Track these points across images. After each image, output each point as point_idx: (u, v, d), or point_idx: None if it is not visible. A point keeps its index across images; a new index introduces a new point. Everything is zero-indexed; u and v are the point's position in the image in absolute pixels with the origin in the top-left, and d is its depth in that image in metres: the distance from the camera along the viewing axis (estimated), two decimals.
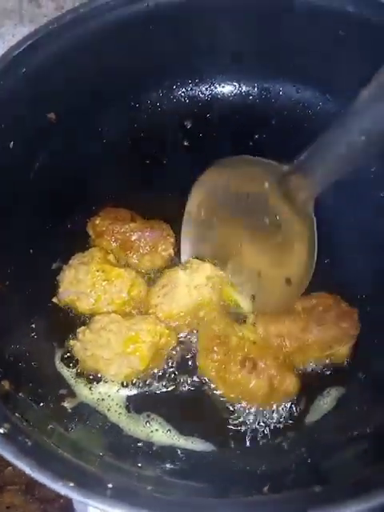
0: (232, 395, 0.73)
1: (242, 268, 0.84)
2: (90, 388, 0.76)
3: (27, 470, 0.54)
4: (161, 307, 0.80)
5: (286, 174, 0.75)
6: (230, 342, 0.74)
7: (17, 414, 0.60)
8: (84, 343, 0.76)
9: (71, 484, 0.52)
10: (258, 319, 0.79)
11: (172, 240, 0.88)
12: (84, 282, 0.81)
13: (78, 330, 0.78)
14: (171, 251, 0.87)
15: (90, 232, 0.90)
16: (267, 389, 0.70)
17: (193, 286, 0.80)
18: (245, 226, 0.84)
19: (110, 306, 0.81)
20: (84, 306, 0.81)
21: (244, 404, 0.72)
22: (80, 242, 0.89)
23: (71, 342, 0.78)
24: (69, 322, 0.82)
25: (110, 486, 0.52)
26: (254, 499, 0.55)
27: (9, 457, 0.55)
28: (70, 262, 0.84)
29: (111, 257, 0.85)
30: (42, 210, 0.88)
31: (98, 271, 0.81)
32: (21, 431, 0.57)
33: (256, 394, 0.71)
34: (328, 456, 0.65)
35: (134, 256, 0.86)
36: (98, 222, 0.89)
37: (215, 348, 0.74)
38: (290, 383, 0.71)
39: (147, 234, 0.87)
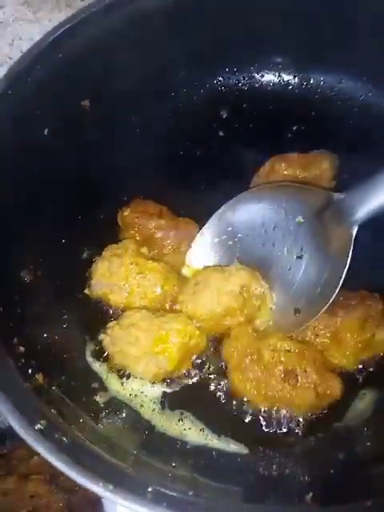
0: (275, 408, 0.71)
1: None
2: (122, 383, 0.74)
3: (65, 468, 0.53)
4: (186, 305, 0.78)
5: (336, 201, 0.75)
6: (263, 357, 0.71)
7: (52, 410, 0.59)
8: (113, 339, 0.74)
9: (111, 486, 0.51)
10: None
11: None
12: (117, 275, 0.79)
13: (108, 325, 0.77)
14: None
15: (119, 222, 0.88)
16: (314, 398, 0.68)
17: (224, 292, 0.76)
18: (264, 252, 0.82)
19: (142, 301, 0.79)
20: (117, 299, 0.79)
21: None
22: (112, 233, 0.87)
23: (101, 336, 0.76)
24: (100, 315, 0.81)
25: (150, 489, 0.51)
26: (296, 509, 0.53)
27: (45, 454, 0.54)
28: (103, 253, 0.82)
29: (145, 249, 0.83)
30: (74, 199, 0.87)
31: (131, 264, 0.79)
32: (57, 428, 0.56)
33: (303, 405, 0.69)
34: (370, 464, 0.63)
35: (156, 253, 0.84)
36: (126, 213, 0.87)
37: (250, 366, 0.71)
38: (335, 386, 0.69)
39: (172, 233, 0.85)
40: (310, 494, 0.55)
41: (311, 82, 0.95)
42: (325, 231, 0.78)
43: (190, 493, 0.53)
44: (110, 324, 0.77)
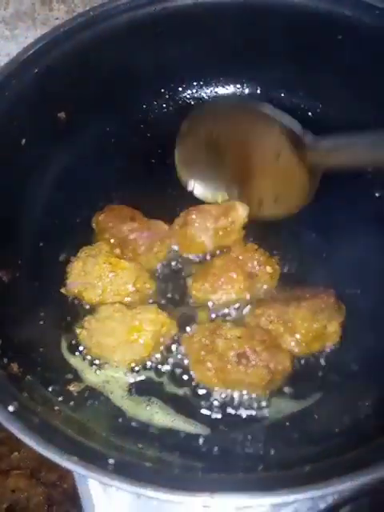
0: (237, 391, 0.76)
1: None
2: (95, 372, 0.79)
3: (33, 445, 0.58)
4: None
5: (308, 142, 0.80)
6: (217, 347, 0.76)
7: (25, 394, 0.64)
8: (90, 331, 0.80)
9: (75, 458, 0.55)
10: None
11: (168, 241, 0.90)
12: (91, 274, 0.84)
13: (84, 319, 0.82)
14: (164, 253, 0.90)
15: (94, 227, 0.93)
16: (267, 374, 0.73)
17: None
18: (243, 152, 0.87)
19: (115, 297, 0.85)
20: (91, 296, 0.84)
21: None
22: (87, 236, 0.92)
23: (77, 330, 0.82)
24: (75, 311, 0.85)
25: (111, 461, 0.56)
26: (248, 477, 0.58)
27: (16, 432, 0.59)
28: (78, 254, 0.87)
29: (118, 250, 0.88)
30: (52, 206, 0.93)
31: (104, 263, 0.85)
32: (28, 409, 0.61)
33: (260, 384, 0.74)
34: (318, 441, 0.68)
35: (131, 254, 0.89)
36: (100, 218, 0.92)
37: (207, 357, 0.76)
38: (285, 359, 0.74)
39: (144, 234, 0.90)
40: (261, 466, 0.60)
41: (272, 95, 1.02)
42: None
43: (154, 467, 0.58)
44: (87, 318, 0.82)
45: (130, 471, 0.55)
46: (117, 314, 0.81)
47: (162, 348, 0.81)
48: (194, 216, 0.89)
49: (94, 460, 0.56)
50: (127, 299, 0.85)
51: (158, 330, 0.79)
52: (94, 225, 0.93)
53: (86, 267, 0.85)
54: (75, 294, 0.86)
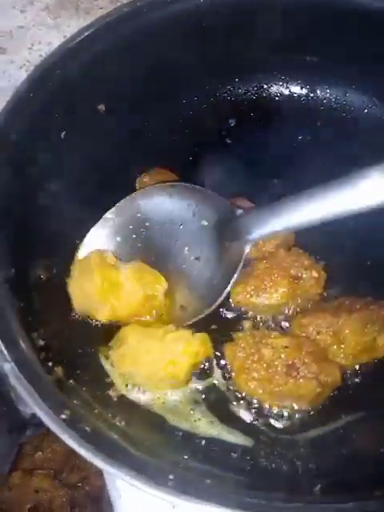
0: (283, 403, 0.74)
1: None
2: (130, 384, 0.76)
3: (88, 455, 0.55)
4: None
5: (237, 216, 0.80)
6: (264, 356, 0.74)
7: (75, 401, 0.62)
8: (120, 356, 0.76)
9: (134, 473, 0.53)
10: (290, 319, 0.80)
11: None
12: (93, 296, 0.78)
13: (110, 344, 0.78)
14: None
15: (137, 188, 0.92)
16: (316, 387, 0.71)
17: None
18: (166, 247, 0.85)
19: (128, 309, 0.79)
20: (103, 315, 0.79)
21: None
22: None
23: (109, 353, 0.77)
24: None
25: (171, 477, 0.54)
26: (305, 499, 0.56)
27: (70, 442, 0.56)
28: (71, 273, 0.82)
29: (110, 258, 0.82)
30: (88, 200, 0.89)
31: (102, 281, 0.78)
32: (80, 418, 0.59)
33: (309, 397, 0.72)
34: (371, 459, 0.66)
35: None
36: (146, 179, 0.91)
37: (253, 366, 0.74)
38: (335, 372, 0.72)
39: None
40: (318, 486, 0.58)
41: (318, 93, 0.99)
42: (222, 241, 0.82)
43: (208, 481, 0.56)
44: (114, 341, 0.78)
45: (192, 488, 0.53)
46: (146, 342, 0.75)
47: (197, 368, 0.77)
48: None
49: (154, 475, 0.54)
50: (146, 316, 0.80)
51: (193, 361, 0.75)
52: (137, 185, 0.92)
53: (84, 289, 0.79)
54: (87, 315, 0.81)
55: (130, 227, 0.87)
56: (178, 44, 0.91)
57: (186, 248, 0.85)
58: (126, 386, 0.76)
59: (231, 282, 0.81)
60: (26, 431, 0.62)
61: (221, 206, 0.84)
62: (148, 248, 0.86)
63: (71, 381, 0.69)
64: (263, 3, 0.91)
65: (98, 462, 0.55)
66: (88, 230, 0.86)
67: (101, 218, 0.87)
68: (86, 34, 0.85)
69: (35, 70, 0.82)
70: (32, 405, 0.57)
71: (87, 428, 0.58)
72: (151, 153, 0.96)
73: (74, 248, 0.85)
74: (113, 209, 0.87)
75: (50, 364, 0.67)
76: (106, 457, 0.55)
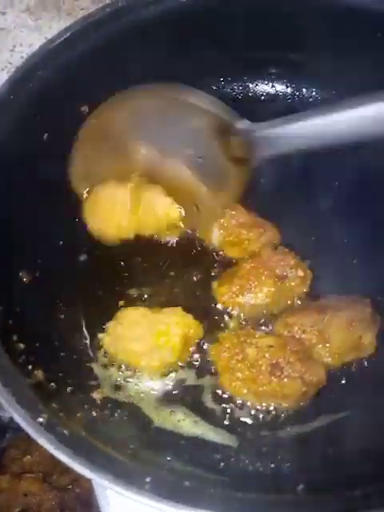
0: (268, 402, 0.73)
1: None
2: (118, 380, 0.76)
3: (66, 459, 0.55)
4: None
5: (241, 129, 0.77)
6: (248, 356, 0.74)
7: (53, 404, 0.61)
8: (114, 337, 0.77)
9: (111, 476, 0.53)
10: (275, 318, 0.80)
11: None
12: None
13: (107, 325, 0.79)
14: None
15: None
16: (301, 386, 0.71)
17: None
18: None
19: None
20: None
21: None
22: None
23: (100, 336, 0.78)
24: (97, 314, 0.82)
25: (148, 479, 0.53)
26: (288, 498, 0.56)
27: (47, 446, 0.56)
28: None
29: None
30: (71, 203, 0.89)
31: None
32: (59, 421, 0.58)
33: (293, 396, 0.71)
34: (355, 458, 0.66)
35: None
36: None
37: (237, 366, 0.74)
38: (319, 372, 0.72)
39: None
40: (301, 486, 0.58)
41: (303, 92, 0.99)
42: (227, 149, 0.80)
43: (187, 483, 0.56)
44: (109, 324, 0.79)
45: (168, 491, 0.53)
46: (142, 318, 0.78)
47: (189, 354, 0.78)
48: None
49: (131, 478, 0.53)
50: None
51: (185, 333, 0.77)
52: None
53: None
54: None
55: None
56: (160, 44, 0.91)
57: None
58: (116, 382, 0.76)
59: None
60: (6, 435, 0.61)
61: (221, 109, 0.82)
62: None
63: (53, 384, 0.69)
64: (246, 3, 0.91)
65: (76, 465, 0.54)
66: (70, 233, 0.86)
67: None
68: (68, 35, 0.85)
69: (16, 72, 0.81)
70: (8, 408, 0.57)
71: (66, 431, 0.58)
72: None
73: (57, 251, 0.85)
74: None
75: (30, 367, 0.67)
76: (84, 460, 0.55)
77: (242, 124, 0.77)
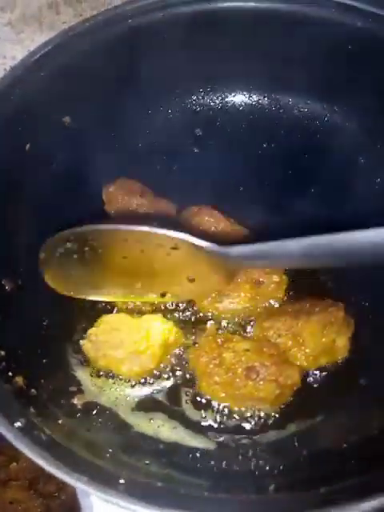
0: (245, 406, 0.75)
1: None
2: (99, 386, 0.78)
3: (42, 463, 0.56)
4: None
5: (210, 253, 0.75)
6: (225, 360, 0.76)
7: (32, 410, 0.62)
8: (96, 343, 0.78)
9: (85, 478, 0.54)
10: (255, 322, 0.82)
11: None
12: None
13: (89, 331, 0.80)
14: None
15: (104, 198, 0.93)
16: (276, 388, 0.72)
17: None
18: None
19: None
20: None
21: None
22: None
23: (81, 342, 0.80)
24: (79, 321, 0.84)
25: (121, 481, 0.54)
26: (260, 498, 0.57)
27: (24, 450, 0.57)
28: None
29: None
30: (52, 210, 0.91)
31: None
32: (36, 425, 0.60)
33: (269, 399, 0.73)
34: (329, 458, 0.67)
35: None
36: (111, 189, 0.93)
37: (214, 370, 0.75)
38: (294, 374, 0.74)
39: (153, 212, 0.90)
40: (273, 486, 0.59)
41: (280, 102, 1.01)
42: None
43: (159, 484, 0.57)
44: (91, 330, 0.81)
45: (141, 492, 0.54)
46: (123, 324, 0.79)
47: (168, 360, 0.79)
48: (206, 217, 0.89)
49: (105, 480, 0.54)
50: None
51: (165, 340, 0.78)
52: (104, 196, 0.93)
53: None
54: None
55: None
56: (140, 57, 0.93)
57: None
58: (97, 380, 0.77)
59: None
60: None
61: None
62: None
63: (33, 390, 0.70)
64: (223, 14, 0.93)
65: (52, 469, 0.56)
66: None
67: (66, 228, 0.88)
68: (49, 47, 0.87)
69: None
70: None
71: (43, 436, 0.59)
72: (119, 163, 0.97)
73: (38, 259, 0.86)
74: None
75: (11, 374, 0.68)
76: (60, 464, 0.56)
77: (212, 247, 0.74)
